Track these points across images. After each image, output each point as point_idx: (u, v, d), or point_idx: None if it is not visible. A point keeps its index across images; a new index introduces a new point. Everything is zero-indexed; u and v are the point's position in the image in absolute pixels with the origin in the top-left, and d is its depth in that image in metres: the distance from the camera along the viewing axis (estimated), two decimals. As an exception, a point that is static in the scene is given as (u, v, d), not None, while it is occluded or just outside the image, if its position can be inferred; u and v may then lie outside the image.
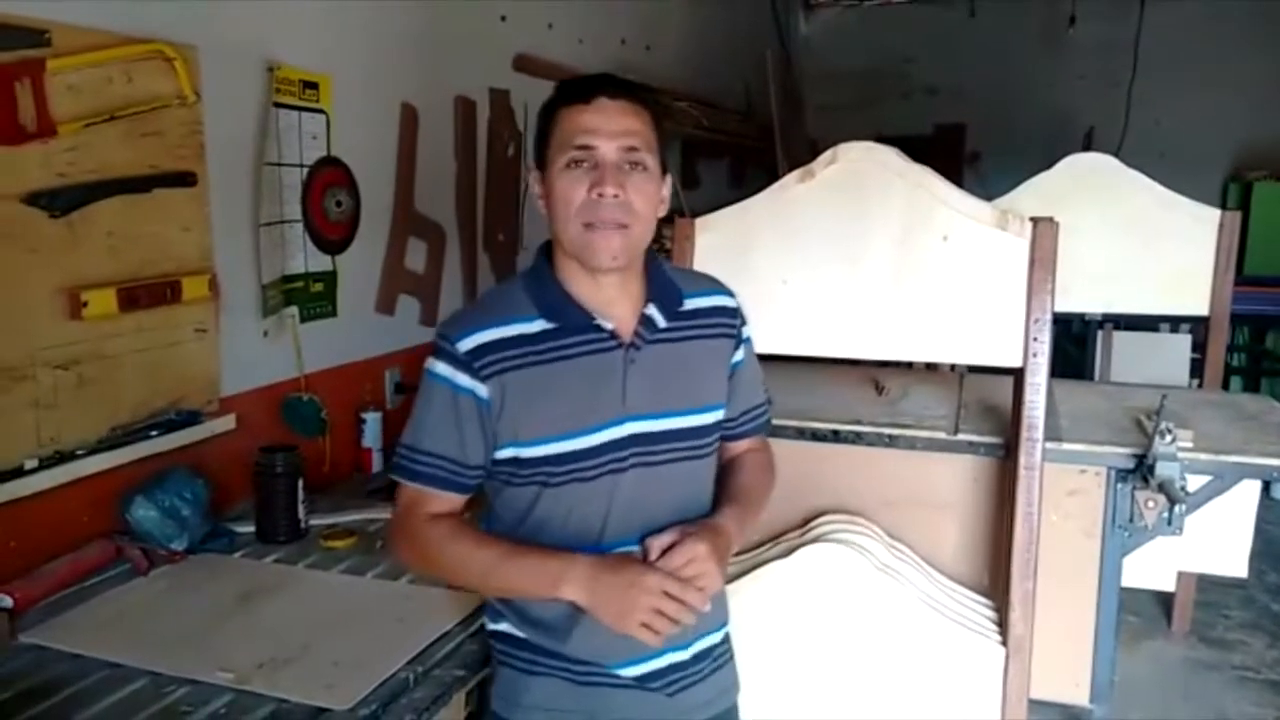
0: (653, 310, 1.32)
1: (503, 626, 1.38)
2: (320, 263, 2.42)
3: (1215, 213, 3.29)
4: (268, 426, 2.21)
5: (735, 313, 1.43)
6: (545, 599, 1.26)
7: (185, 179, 1.97)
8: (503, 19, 3.22)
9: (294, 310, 2.32)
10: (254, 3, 2.16)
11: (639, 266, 1.34)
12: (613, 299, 1.30)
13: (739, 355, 1.43)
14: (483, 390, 1.26)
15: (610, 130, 1.23)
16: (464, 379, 1.26)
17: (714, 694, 1.42)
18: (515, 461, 1.28)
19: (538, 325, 1.27)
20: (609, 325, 1.28)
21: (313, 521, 2.01)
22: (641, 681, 1.33)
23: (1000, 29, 7.17)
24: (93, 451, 1.82)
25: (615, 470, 1.29)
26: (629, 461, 1.29)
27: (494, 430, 1.27)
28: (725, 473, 1.46)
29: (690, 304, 1.37)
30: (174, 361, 1.99)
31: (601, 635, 1.25)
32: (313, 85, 2.34)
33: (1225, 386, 4.97)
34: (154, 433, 1.93)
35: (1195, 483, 2.42)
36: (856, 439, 2.54)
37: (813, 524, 2.40)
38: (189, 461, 1.96)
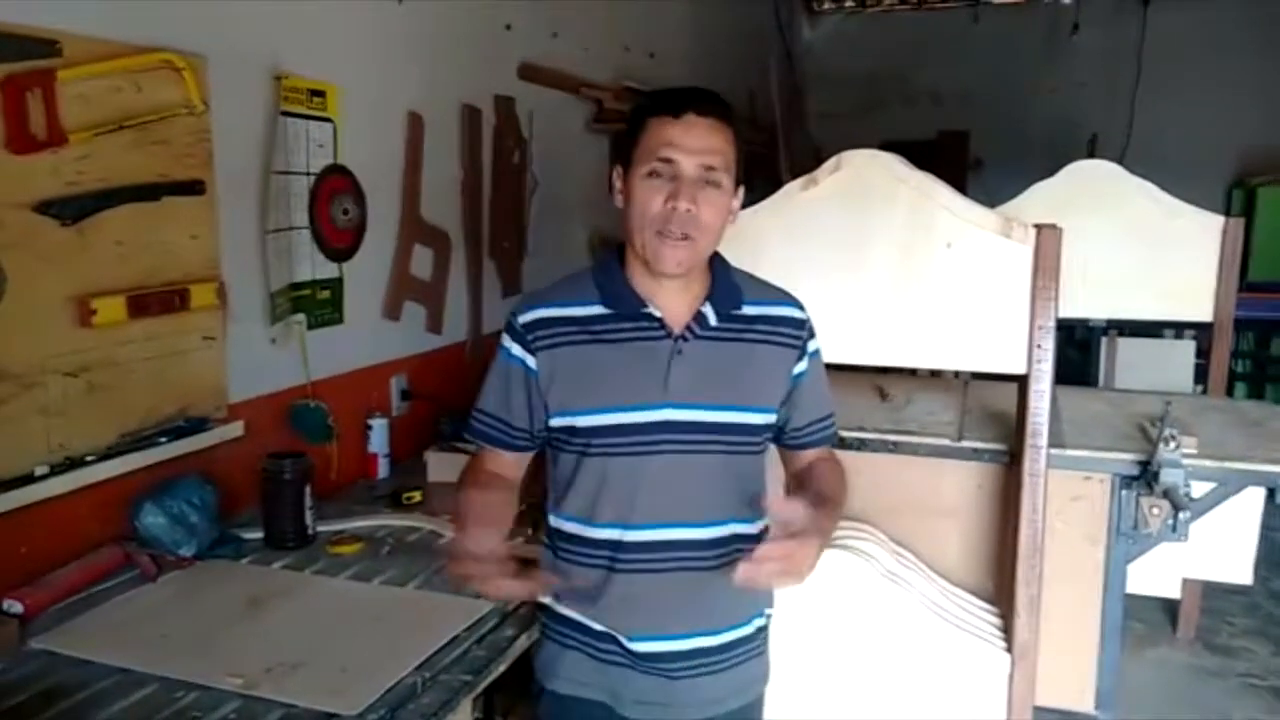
0: (707, 309, 1.40)
1: (546, 598, 1.47)
2: (327, 270, 2.43)
3: (1218, 219, 3.30)
4: (275, 433, 2.22)
5: (802, 324, 1.49)
6: None
7: (194, 187, 1.98)
8: (508, 28, 3.24)
9: (301, 317, 2.33)
10: (262, 13, 2.17)
11: (703, 268, 1.42)
12: (672, 296, 1.40)
13: (802, 366, 1.48)
14: (531, 361, 1.39)
15: (693, 147, 1.32)
16: (518, 350, 1.40)
17: (740, 684, 1.48)
18: (569, 430, 1.39)
19: (595, 309, 1.39)
20: (659, 314, 1.38)
21: (320, 528, 2.02)
22: (656, 660, 1.40)
23: (1004, 35, 7.19)
24: (102, 458, 1.82)
25: (646, 452, 1.36)
26: (661, 446, 1.36)
27: (543, 399, 1.39)
28: (809, 479, 1.52)
29: (751, 309, 1.44)
30: (182, 368, 2.00)
31: (627, 605, 1.38)
32: (320, 94, 2.35)
33: (1229, 393, 4.96)
34: (162, 439, 1.94)
35: (1200, 489, 2.42)
36: (861, 446, 2.55)
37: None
38: (197, 468, 1.97)
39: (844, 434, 2.54)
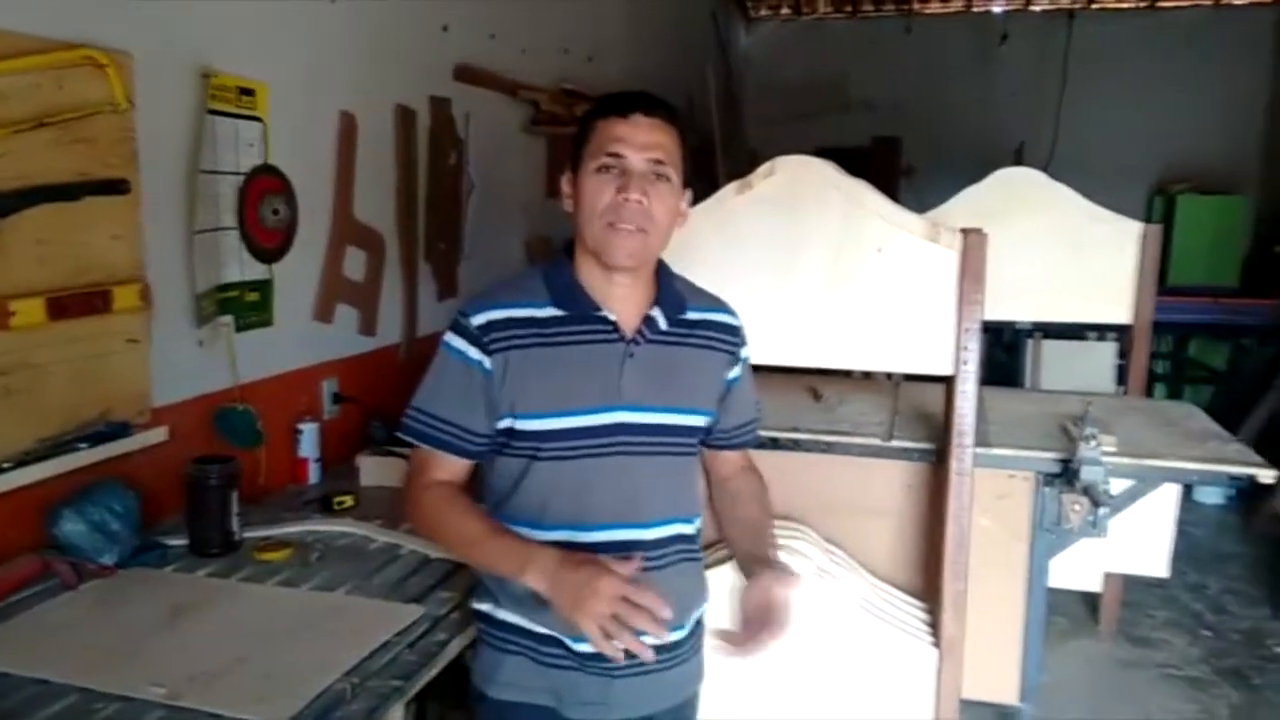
0: (656, 312, 1.43)
1: (485, 606, 1.48)
2: (256, 271, 2.39)
3: (1137, 225, 3.41)
4: (201, 438, 2.18)
5: (737, 331, 1.55)
6: (512, 579, 1.34)
7: (117, 187, 1.93)
8: (444, 29, 3.22)
9: (229, 319, 2.29)
10: (190, 10, 2.13)
11: (650, 271, 1.45)
12: (622, 297, 1.41)
13: (735, 372, 1.54)
14: (488, 362, 1.37)
15: (641, 142, 1.35)
16: (473, 351, 1.38)
17: (681, 682, 1.51)
18: (510, 432, 1.39)
19: (548, 311, 1.39)
20: (612, 317, 1.40)
21: (247, 534, 1.99)
22: (601, 660, 1.37)
23: (935, 45, 7.34)
24: (18, 464, 1.77)
25: (598, 454, 1.38)
26: (613, 448, 1.39)
27: (495, 400, 1.38)
28: (744, 503, 1.61)
29: (693, 315, 1.48)
30: (104, 372, 1.95)
31: None
32: (249, 92, 2.31)
33: (1149, 393, 5.13)
34: (82, 445, 1.89)
35: (1118, 486, 2.50)
36: (795, 446, 2.59)
37: (751, 530, 2.43)
38: (119, 474, 1.92)
39: (778, 434, 2.57)
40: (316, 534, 2.06)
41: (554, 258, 1.47)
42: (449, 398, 1.41)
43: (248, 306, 2.37)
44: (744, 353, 1.56)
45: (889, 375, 3.37)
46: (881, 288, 2.21)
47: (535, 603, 1.35)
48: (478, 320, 1.38)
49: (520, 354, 1.37)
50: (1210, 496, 4.95)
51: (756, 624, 1.42)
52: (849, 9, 7.61)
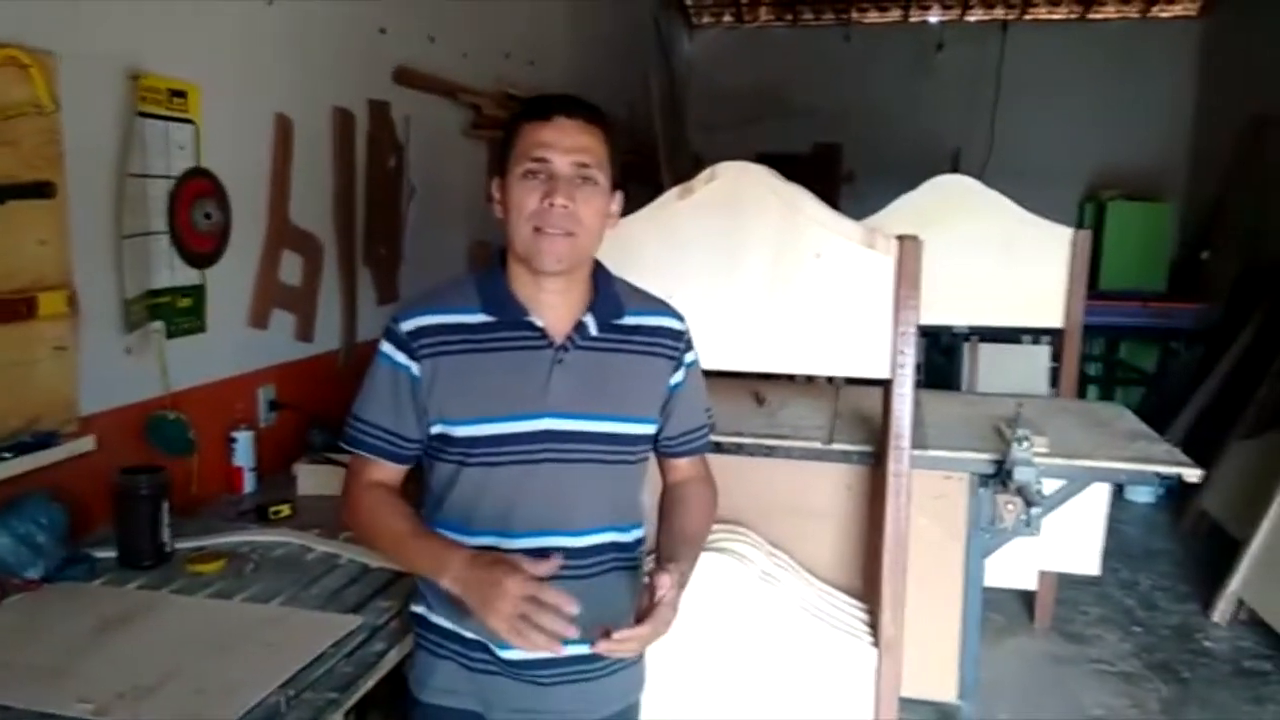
0: (588, 318, 1.41)
1: (420, 609, 1.48)
2: (188, 276, 2.34)
3: (1068, 231, 3.50)
4: (132, 447, 2.12)
5: (680, 335, 1.51)
6: (433, 581, 1.34)
7: (42, 190, 1.88)
8: (382, 31, 3.18)
9: (160, 325, 2.23)
10: (118, 10, 2.08)
11: (583, 275, 1.43)
12: (553, 303, 1.40)
13: (679, 377, 1.51)
14: (415, 368, 1.37)
15: (565, 146, 1.34)
16: (402, 357, 1.38)
17: (617, 691, 1.48)
18: (443, 438, 1.39)
19: (478, 317, 1.39)
20: (540, 323, 1.38)
21: (179, 545, 1.94)
22: (528, 668, 1.40)
23: (873, 53, 7.46)
24: (-62, 476, 1.71)
25: (527, 461, 1.37)
26: (542, 455, 1.37)
27: (424, 406, 1.38)
28: (675, 509, 1.54)
29: (633, 320, 1.46)
30: (29, 380, 1.89)
31: None
32: (180, 94, 2.26)
33: (1082, 395, 5.27)
34: (6, 455, 1.83)
35: (1050, 486, 2.56)
36: (738, 450, 2.60)
37: (694, 534, 2.44)
38: (46, 485, 1.86)
39: (721, 439, 2.59)
40: (252, 544, 2.02)
41: (488, 265, 1.46)
42: (381, 404, 1.41)
43: (179, 312, 2.32)
44: (689, 357, 1.53)
45: (830, 379, 3.42)
46: (820, 293, 2.24)
47: (461, 606, 1.35)
48: (407, 326, 1.38)
49: (449, 360, 1.37)
50: (1141, 495, 5.08)
51: (638, 619, 1.32)
52: (790, 17, 7.70)
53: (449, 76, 3.61)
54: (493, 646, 1.40)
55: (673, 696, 2.25)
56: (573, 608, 1.21)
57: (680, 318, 1.53)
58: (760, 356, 2.31)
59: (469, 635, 1.41)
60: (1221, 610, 3.72)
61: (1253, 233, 5.68)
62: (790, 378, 3.38)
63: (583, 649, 1.38)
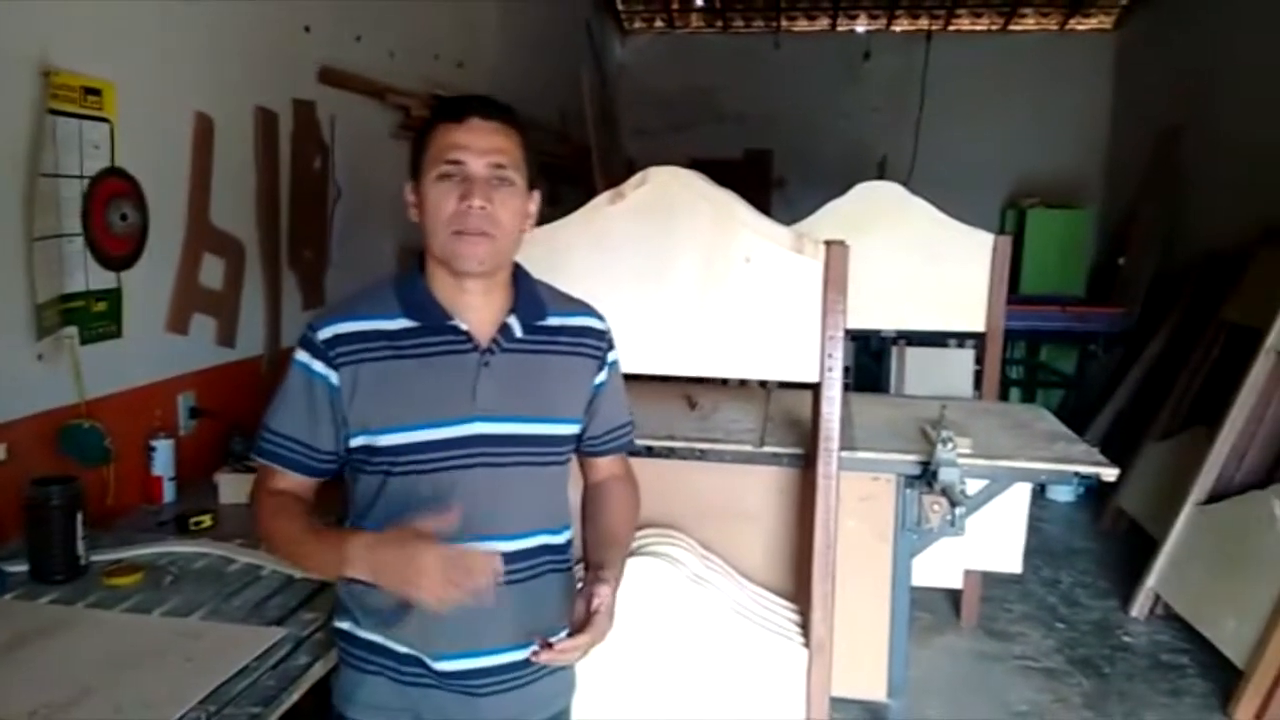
0: (512, 320, 1.40)
1: (345, 625, 1.43)
2: (103, 280, 2.26)
3: (989, 237, 3.58)
4: (44, 457, 2.05)
5: (603, 335, 1.51)
6: (340, 576, 1.32)
7: (-56, 189, 1.81)
8: (306, 29, 3.12)
9: (73, 331, 2.16)
10: (28, 5, 2.01)
11: (504, 277, 1.42)
12: (475, 305, 1.38)
13: (602, 376, 1.50)
14: (334, 377, 1.33)
15: (480, 147, 1.33)
16: (319, 366, 1.34)
17: (547, 696, 1.46)
18: (367, 449, 1.35)
19: (399, 323, 1.36)
20: (465, 327, 1.36)
21: (94, 557, 1.88)
22: (462, 679, 1.37)
23: (803, 61, 7.56)
24: None
25: (458, 467, 1.34)
26: (474, 460, 1.35)
27: (344, 416, 1.34)
28: (599, 508, 1.55)
29: (555, 321, 1.45)
30: (-70, 388, 1.81)
31: (429, 624, 1.31)
32: (95, 92, 2.19)
33: (1005, 397, 5.41)
34: (-94, 467, 1.75)
35: (974, 486, 2.61)
36: (670, 454, 2.61)
37: (627, 539, 2.44)
38: (-50, 498, 1.79)
39: (653, 443, 2.59)
40: (171, 556, 1.97)
41: (406, 270, 1.43)
42: (295, 415, 1.37)
43: (94, 317, 2.24)
44: (611, 356, 1.53)
45: (763, 383, 3.44)
46: (750, 297, 2.25)
47: (397, 612, 1.32)
48: (324, 334, 1.34)
49: (370, 368, 1.33)
50: (1062, 494, 5.22)
51: (575, 628, 1.35)
52: (720, 24, 7.76)
53: (376, 77, 3.56)
54: (426, 659, 1.37)
55: (605, 699, 2.24)
56: (497, 561, 1.21)
57: (601, 317, 1.52)
58: (690, 361, 2.31)
59: (400, 649, 1.38)
60: (1139, 605, 3.84)
61: (1166, 239, 5.89)
62: (723, 381, 3.40)
63: (516, 655, 1.39)
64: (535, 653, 1.28)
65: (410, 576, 1.19)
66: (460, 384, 1.35)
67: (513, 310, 1.41)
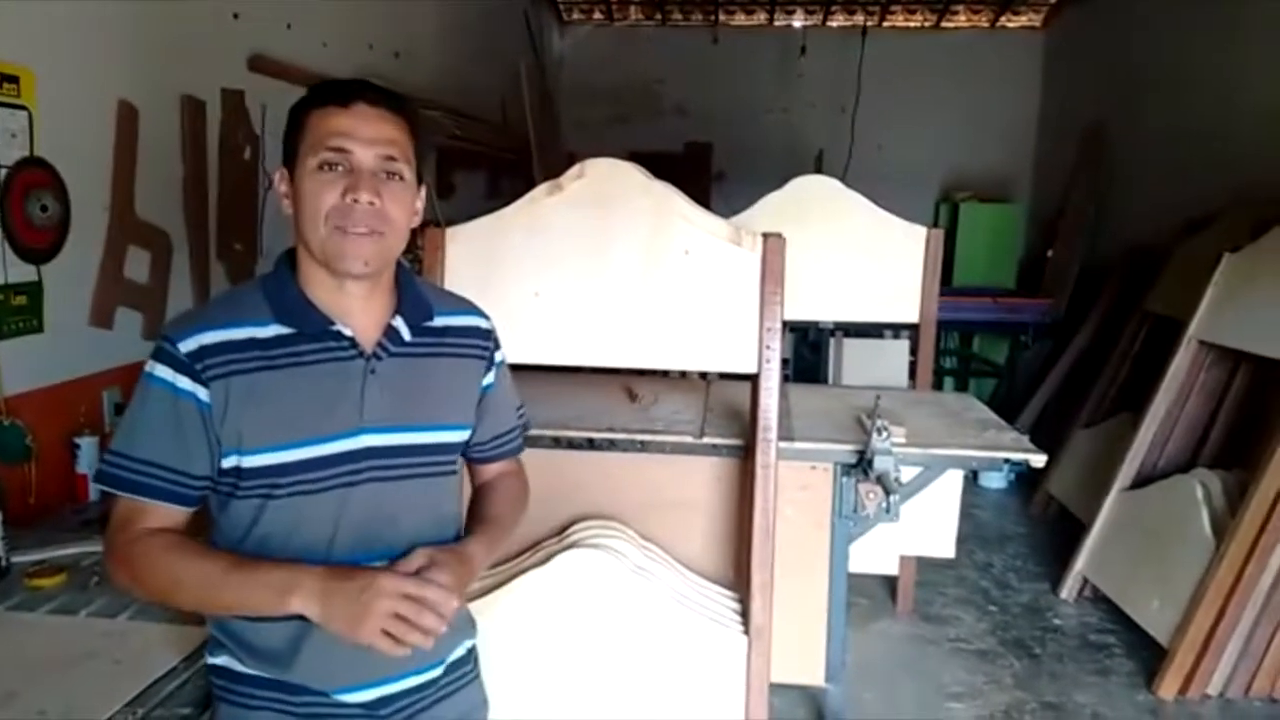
0: (399, 322, 1.29)
1: (221, 660, 1.29)
2: (22, 272, 2.19)
3: (922, 230, 3.63)
4: (-41, 456, 1.98)
5: (488, 334, 1.41)
6: (273, 613, 1.17)
7: None
8: (235, 16, 3.06)
9: (-9, 326, 2.09)
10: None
11: (388, 278, 1.30)
12: (357, 308, 1.26)
13: (490, 378, 1.41)
14: (204, 394, 1.18)
15: (368, 137, 1.21)
16: (185, 382, 1.18)
17: (455, 717, 1.38)
18: (237, 472, 1.20)
19: (272, 330, 1.21)
20: (348, 332, 1.24)
21: (15, 559, 1.83)
22: (370, 709, 1.27)
23: (740, 56, 7.61)
24: None
25: (347, 483, 1.23)
26: (363, 475, 1.24)
27: (217, 436, 1.19)
28: (478, 499, 1.46)
29: (441, 321, 1.35)
30: None
31: (327, 659, 1.21)
32: (12, 79, 2.12)
33: (939, 387, 5.52)
34: None
35: (908, 474, 2.66)
36: (611, 445, 2.61)
37: (569, 530, 2.44)
38: None
39: (595, 435, 2.59)
40: (96, 555, 1.91)
41: (273, 270, 1.29)
42: (158, 438, 1.19)
43: (13, 311, 2.17)
44: (499, 356, 1.43)
45: (703, 374, 3.46)
46: (689, 289, 2.26)
47: (290, 651, 1.22)
48: (188, 346, 1.18)
49: (242, 380, 1.18)
50: (994, 481, 5.35)
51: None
52: (659, 17, 7.77)
53: (309, 66, 3.50)
54: (327, 691, 1.25)
55: (547, 691, 2.24)
56: (454, 602, 1.14)
57: (486, 316, 1.43)
58: (630, 352, 2.31)
59: (293, 681, 1.25)
60: (1069, 588, 3.95)
61: (1092, 232, 6.05)
62: (664, 373, 3.41)
63: (423, 676, 1.31)
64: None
65: (363, 601, 1.10)
66: (345, 394, 1.23)
67: (398, 311, 1.30)
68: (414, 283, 1.35)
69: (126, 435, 1.21)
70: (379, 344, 1.26)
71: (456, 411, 1.36)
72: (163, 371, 1.19)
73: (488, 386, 1.41)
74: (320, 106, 1.22)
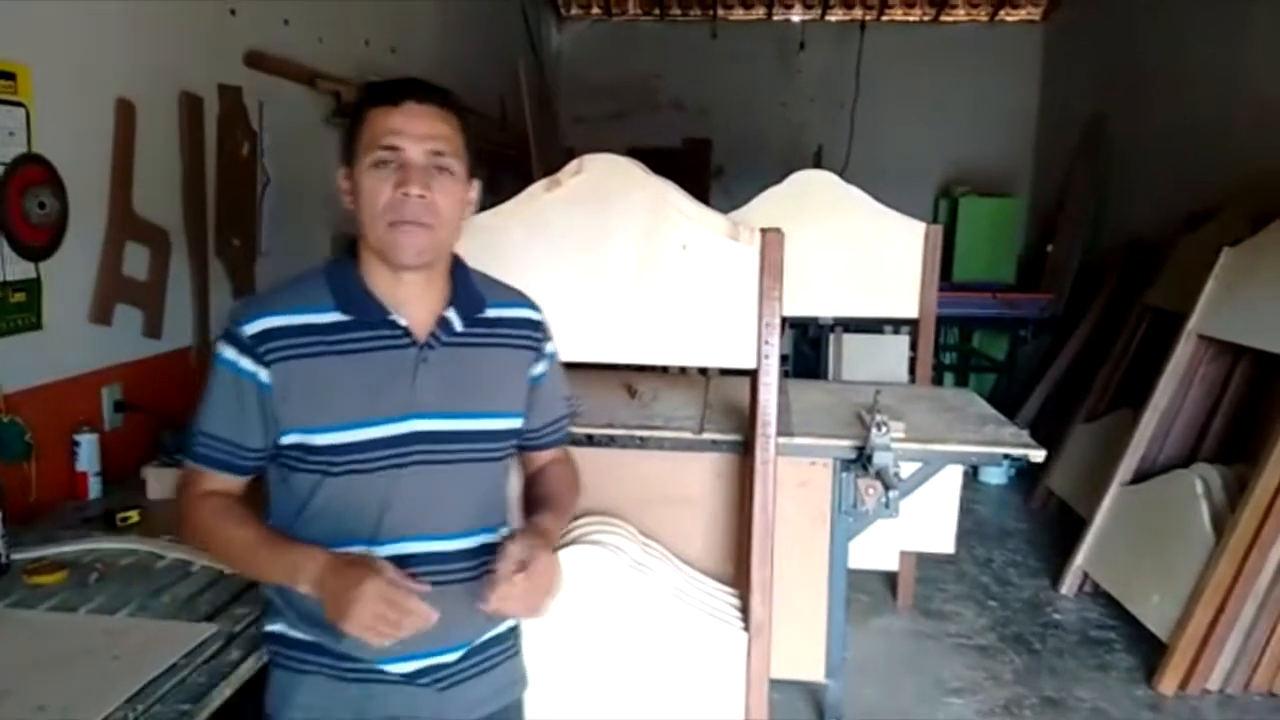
0: (451, 313, 1.35)
1: (278, 627, 1.38)
2: (21, 270, 2.19)
3: (921, 225, 3.63)
4: (-41, 453, 1.98)
5: (539, 326, 1.47)
6: (288, 587, 1.27)
7: None
8: (232, 13, 3.04)
9: (-11, 323, 2.09)
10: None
11: (443, 269, 1.37)
12: (413, 298, 1.33)
13: (541, 368, 1.47)
14: (264, 375, 1.27)
15: (417, 133, 1.27)
16: (246, 363, 1.27)
17: (492, 690, 1.44)
18: (302, 448, 1.29)
19: (332, 316, 1.30)
20: (403, 322, 1.31)
21: (16, 556, 1.83)
22: (410, 678, 1.34)
23: (739, 51, 7.59)
24: None
25: (396, 465, 1.30)
26: (412, 458, 1.31)
27: (275, 415, 1.28)
28: (535, 483, 1.53)
29: (494, 313, 1.41)
30: None
31: None
32: (9, 76, 2.11)
33: (939, 382, 5.51)
34: None
35: (908, 470, 2.66)
36: (610, 442, 2.61)
37: (570, 526, 2.44)
38: None
39: (594, 431, 2.59)
40: (97, 553, 1.91)
41: (338, 260, 1.37)
42: (223, 414, 1.30)
43: (12, 308, 2.17)
44: (549, 348, 1.49)
45: (703, 370, 3.46)
46: (687, 284, 2.26)
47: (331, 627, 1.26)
48: (251, 329, 1.27)
49: (303, 364, 1.27)
50: (994, 477, 5.35)
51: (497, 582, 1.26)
52: (658, 12, 7.75)
53: (306, 62, 3.49)
54: (372, 659, 1.32)
55: (547, 687, 2.24)
56: (433, 615, 1.18)
57: (538, 308, 1.48)
58: (629, 348, 2.32)
59: (341, 649, 1.32)
60: (1069, 583, 3.96)
61: (1092, 226, 6.04)
62: (663, 369, 3.41)
63: (460, 652, 1.37)
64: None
65: (348, 600, 1.15)
66: (398, 380, 1.30)
67: (451, 303, 1.36)
68: (469, 275, 1.42)
69: (202, 414, 1.33)
70: (432, 333, 1.33)
71: (505, 400, 1.42)
72: (229, 353, 1.29)
73: (539, 376, 1.47)
74: (373, 107, 1.30)
